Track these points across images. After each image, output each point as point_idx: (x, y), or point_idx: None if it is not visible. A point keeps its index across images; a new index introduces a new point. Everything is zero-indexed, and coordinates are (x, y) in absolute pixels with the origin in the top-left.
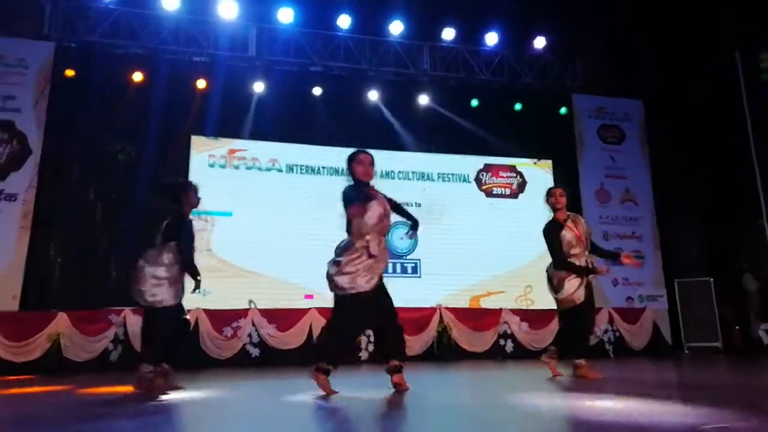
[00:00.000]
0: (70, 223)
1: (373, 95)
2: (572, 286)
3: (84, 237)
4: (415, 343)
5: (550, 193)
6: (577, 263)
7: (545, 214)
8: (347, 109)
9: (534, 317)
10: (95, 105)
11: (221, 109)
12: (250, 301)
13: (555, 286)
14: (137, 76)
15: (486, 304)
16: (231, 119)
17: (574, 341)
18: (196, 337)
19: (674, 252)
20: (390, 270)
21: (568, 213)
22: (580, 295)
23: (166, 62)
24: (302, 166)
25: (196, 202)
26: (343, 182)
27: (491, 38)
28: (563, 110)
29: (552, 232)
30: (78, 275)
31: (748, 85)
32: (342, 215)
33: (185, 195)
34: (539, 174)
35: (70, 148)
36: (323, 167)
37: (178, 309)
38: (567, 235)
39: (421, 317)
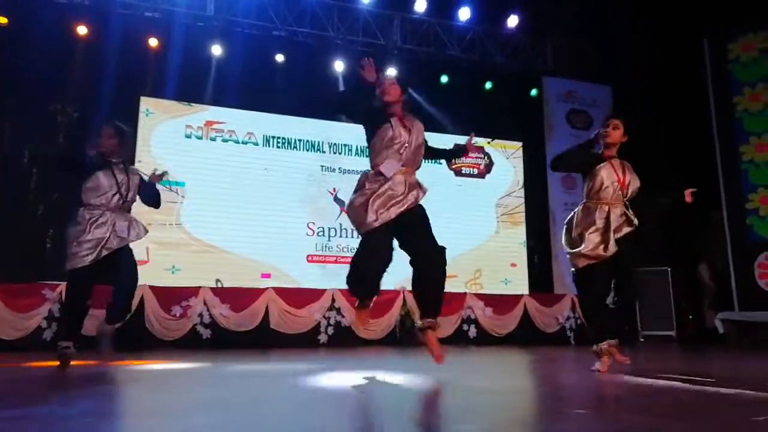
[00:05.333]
0: (1, 190)
1: (339, 66)
2: (594, 240)
3: (16, 204)
4: (378, 327)
5: (603, 124)
6: (602, 215)
7: (508, 194)
8: (312, 78)
9: (498, 302)
10: (32, 58)
11: (176, 72)
12: (217, 281)
13: (573, 240)
14: (81, 30)
15: None
16: (186, 83)
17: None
18: (141, 316)
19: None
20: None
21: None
22: (604, 250)
23: (116, 16)
24: (274, 137)
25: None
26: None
27: (464, 13)
28: (534, 92)
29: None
30: (8, 245)
31: (714, 76)
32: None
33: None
34: (506, 155)
35: (1, 105)
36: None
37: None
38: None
39: (383, 300)
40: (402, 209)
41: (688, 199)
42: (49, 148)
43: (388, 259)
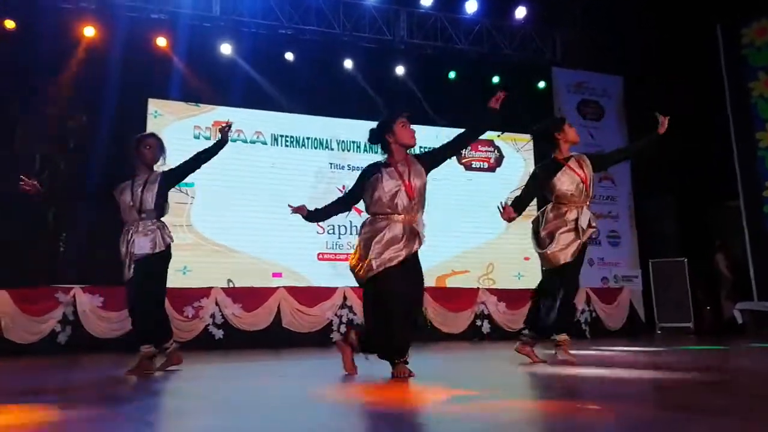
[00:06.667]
0: (12, 195)
1: (348, 63)
2: (565, 240)
3: (28, 209)
4: None
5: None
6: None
7: (519, 188)
8: (319, 76)
9: (511, 297)
10: (40, 62)
11: (183, 73)
12: (229, 281)
13: (541, 239)
14: (89, 32)
15: (451, 284)
16: (193, 83)
17: (557, 311)
18: None
19: (649, 232)
20: None
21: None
22: (568, 254)
23: (122, 18)
24: (282, 136)
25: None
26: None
27: (471, 6)
28: (542, 84)
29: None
30: (22, 251)
31: (728, 61)
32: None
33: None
34: (517, 148)
35: (11, 111)
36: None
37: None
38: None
39: None
40: (400, 258)
41: (662, 130)
42: (59, 154)
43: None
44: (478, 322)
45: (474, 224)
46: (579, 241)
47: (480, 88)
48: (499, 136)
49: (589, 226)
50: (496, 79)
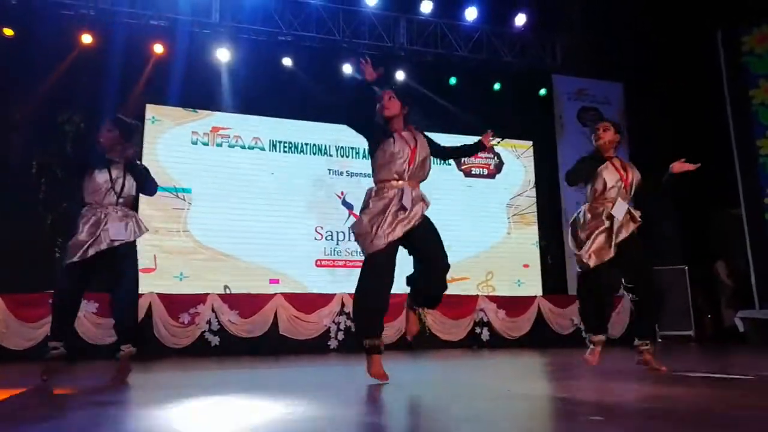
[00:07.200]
0: (9, 200)
1: (347, 69)
2: (599, 242)
3: (25, 215)
4: (387, 331)
5: (592, 130)
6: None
7: (520, 194)
8: (318, 82)
9: (511, 304)
10: (38, 69)
11: (181, 79)
12: (226, 287)
13: (579, 240)
14: (87, 39)
15: (451, 291)
16: (191, 89)
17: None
18: (149, 324)
19: (649, 239)
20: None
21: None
22: (602, 257)
23: (121, 24)
24: (280, 142)
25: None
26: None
27: (471, 13)
28: (543, 91)
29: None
30: (17, 256)
31: (729, 69)
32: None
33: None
34: (517, 155)
35: (9, 117)
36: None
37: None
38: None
39: (394, 303)
40: (409, 227)
41: (677, 169)
42: (56, 158)
43: (391, 282)
44: (477, 330)
45: (474, 231)
46: (611, 243)
47: (480, 96)
48: (499, 142)
49: (633, 220)
50: (497, 86)
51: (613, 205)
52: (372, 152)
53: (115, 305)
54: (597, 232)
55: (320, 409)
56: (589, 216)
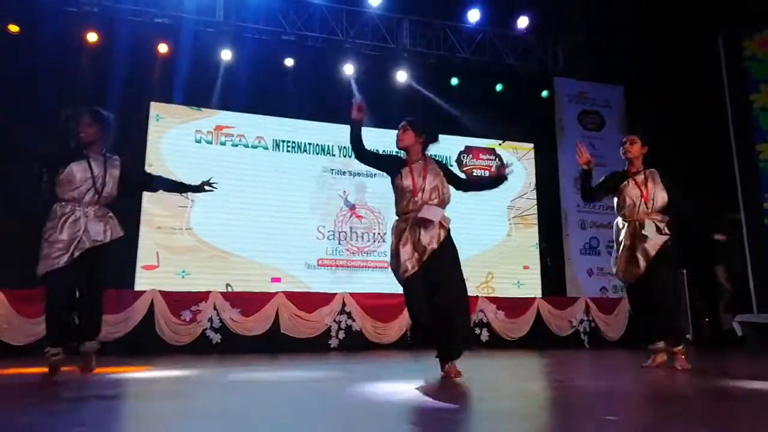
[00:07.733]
0: (11, 197)
1: (349, 69)
2: (623, 258)
3: (26, 211)
4: (389, 331)
5: (621, 143)
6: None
7: (520, 196)
8: (321, 82)
9: (511, 305)
10: (43, 66)
11: (185, 77)
12: (228, 285)
13: (613, 258)
14: (91, 37)
15: None
16: (195, 87)
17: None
18: (151, 322)
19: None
20: (363, 257)
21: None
22: (631, 275)
23: (125, 22)
24: (283, 141)
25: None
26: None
27: (473, 15)
28: (545, 93)
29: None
30: (17, 251)
31: (730, 73)
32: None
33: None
34: (518, 157)
35: (12, 113)
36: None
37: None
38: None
39: (397, 304)
40: (424, 257)
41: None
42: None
43: (428, 297)
44: (477, 330)
45: (474, 232)
46: (639, 257)
47: (482, 97)
48: (500, 144)
49: (659, 232)
50: (499, 87)
51: (636, 221)
52: (392, 184)
53: (85, 302)
54: (620, 250)
55: (320, 407)
56: (615, 232)
